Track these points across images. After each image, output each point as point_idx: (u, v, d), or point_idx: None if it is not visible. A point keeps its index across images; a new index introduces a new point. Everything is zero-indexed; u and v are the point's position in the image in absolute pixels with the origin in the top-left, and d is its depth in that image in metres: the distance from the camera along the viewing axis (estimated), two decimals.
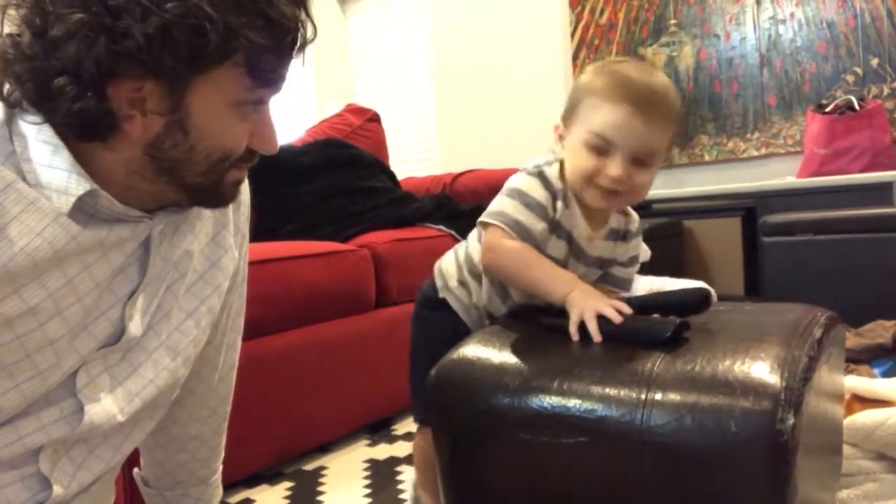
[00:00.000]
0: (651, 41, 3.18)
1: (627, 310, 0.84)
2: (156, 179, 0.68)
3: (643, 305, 0.88)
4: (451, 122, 3.85)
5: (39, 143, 0.63)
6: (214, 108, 0.63)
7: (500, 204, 0.99)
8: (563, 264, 1.01)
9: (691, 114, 3.09)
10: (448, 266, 1.10)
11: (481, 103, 3.73)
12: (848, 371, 1.46)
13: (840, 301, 1.97)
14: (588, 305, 0.85)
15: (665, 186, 3.20)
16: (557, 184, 0.98)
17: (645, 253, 2.29)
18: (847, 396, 1.21)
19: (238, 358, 0.99)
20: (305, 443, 1.63)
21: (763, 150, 2.92)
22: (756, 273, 2.45)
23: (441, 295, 1.08)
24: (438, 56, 3.91)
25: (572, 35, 3.45)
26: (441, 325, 1.07)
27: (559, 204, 0.99)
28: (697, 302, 0.86)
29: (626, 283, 1.09)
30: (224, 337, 0.93)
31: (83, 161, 0.64)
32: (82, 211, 0.65)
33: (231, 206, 0.86)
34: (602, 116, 0.92)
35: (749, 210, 2.68)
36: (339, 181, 2.08)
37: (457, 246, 1.12)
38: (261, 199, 2.06)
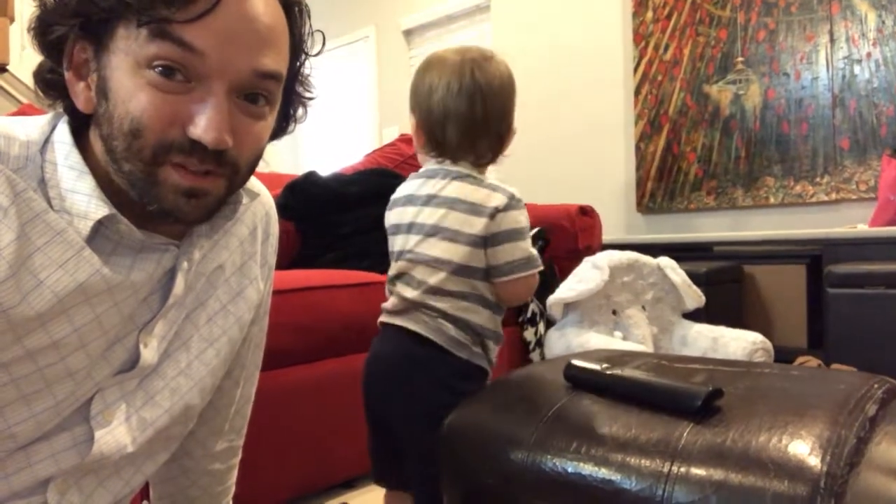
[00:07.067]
0: (717, 78, 3.09)
1: None
2: (116, 175, 0.64)
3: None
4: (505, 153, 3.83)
5: (66, 168, 0.64)
6: (122, 68, 0.61)
7: (530, 248, 1.07)
8: None
9: (757, 154, 2.97)
10: (453, 331, 1.02)
11: (539, 136, 3.69)
12: None
13: None
14: None
15: (726, 228, 3.07)
16: None
17: (699, 298, 2.18)
18: None
19: (255, 391, 0.97)
20: (329, 477, 1.59)
21: (833, 195, 2.77)
22: (820, 325, 2.30)
23: (476, 362, 1.02)
24: None
25: (635, 70, 3.38)
26: None
27: None
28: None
29: None
30: (243, 370, 0.92)
31: (104, 186, 0.65)
32: (107, 238, 0.66)
33: (259, 237, 0.86)
34: None
35: (815, 258, 2.53)
36: (383, 212, 2.06)
37: (452, 313, 1.03)
38: (305, 227, 2.07)
